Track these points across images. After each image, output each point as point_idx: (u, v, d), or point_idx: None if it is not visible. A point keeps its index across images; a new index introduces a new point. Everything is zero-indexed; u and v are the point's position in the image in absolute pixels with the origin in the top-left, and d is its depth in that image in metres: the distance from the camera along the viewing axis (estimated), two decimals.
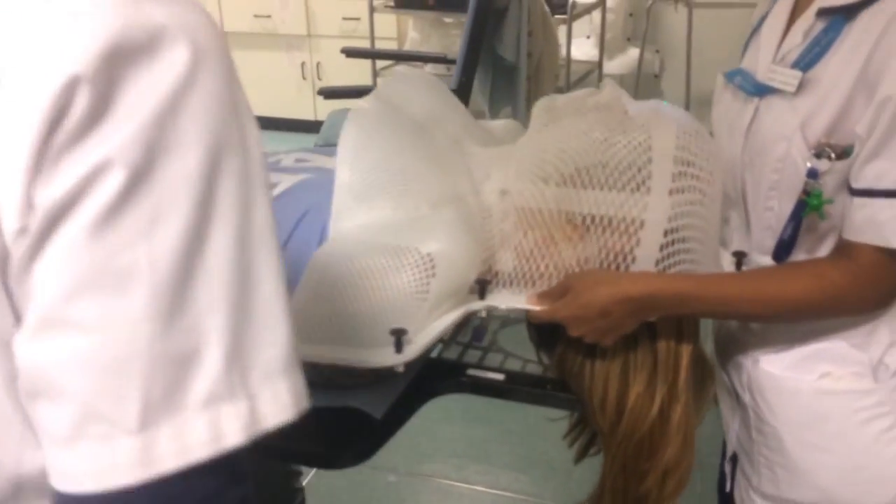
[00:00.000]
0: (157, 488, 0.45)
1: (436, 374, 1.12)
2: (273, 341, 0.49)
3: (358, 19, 4.34)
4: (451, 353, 1.18)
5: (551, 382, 1.11)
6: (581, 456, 1.18)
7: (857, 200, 0.88)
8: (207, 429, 0.46)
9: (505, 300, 1.01)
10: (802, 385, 1.00)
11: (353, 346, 0.96)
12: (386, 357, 0.94)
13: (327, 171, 1.11)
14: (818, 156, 0.88)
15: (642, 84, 4.35)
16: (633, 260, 0.96)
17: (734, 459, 1.15)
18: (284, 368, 0.49)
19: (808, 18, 0.92)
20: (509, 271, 1.02)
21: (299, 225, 1.04)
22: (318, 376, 1.01)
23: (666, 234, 0.95)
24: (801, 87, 0.90)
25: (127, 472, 0.44)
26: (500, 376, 1.12)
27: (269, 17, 4.54)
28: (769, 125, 0.94)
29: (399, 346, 0.94)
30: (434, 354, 1.16)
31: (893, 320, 0.96)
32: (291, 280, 1.00)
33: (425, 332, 0.97)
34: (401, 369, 0.94)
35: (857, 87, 0.86)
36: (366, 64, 3.82)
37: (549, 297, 0.98)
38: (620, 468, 1.06)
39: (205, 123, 0.45)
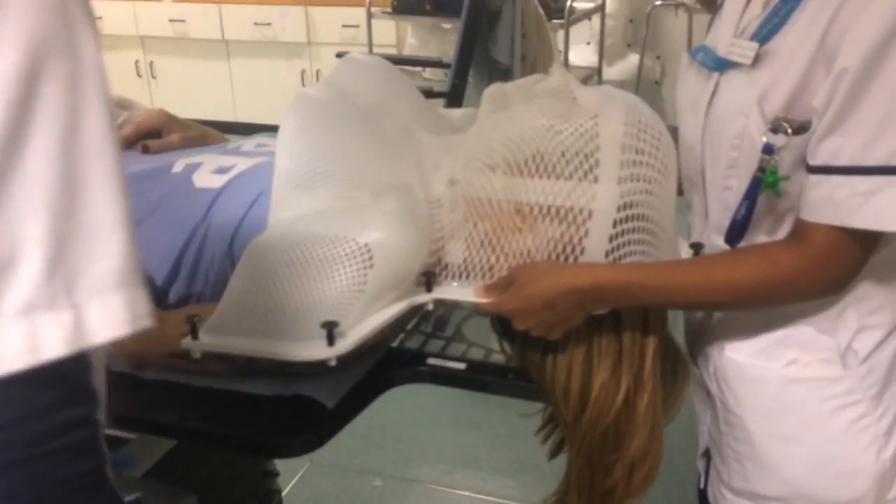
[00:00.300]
0: None
1: (394, 364, 1.09)
2: (106, 253, 0.47)
3: (357, 27, 4.35)
4: (413, 343, 1.15)
5: (514, 372, 1.08)
6: (554, 453, 1.14)
7: (813, 178, 0.84)
8: (24, 338, 0.44)
9: (452, 293, 0.99)
10: (768, 373, 0.96)
11: (285, 340, 0.94)
12: (317, 350, 0.92)
13: None
14: (774, 131, 0.85)
15: (643, 90, 4.32)
16: (582, 251, 0.93)
17: (707, 455, 1.11)
18: (119, 282, 0.47)
19: None
20: (459, 263, 0.99)
21: (252, 208, 1.03)
22: (271, 364, 0.98)
23: (615, 224, 0.92)
24: (759, 59, 0.87)
25: None
26: (460, 365, 1.09)
27: (269, 24, 4.55)
28: (727, 100, 0.91)
29: (331, 339, 0.91)
30: (395, 344, 1.14)
31: (861, 304, 0.92)
32: None
33: (363, 325, 0.95)
34: (333, 363, 0.92)
35: (816, 59, 0.83)
36: None
37: (495, 290, 0.96)
38: (586, 461, 1.02)
39: (23, 25, 0.44)
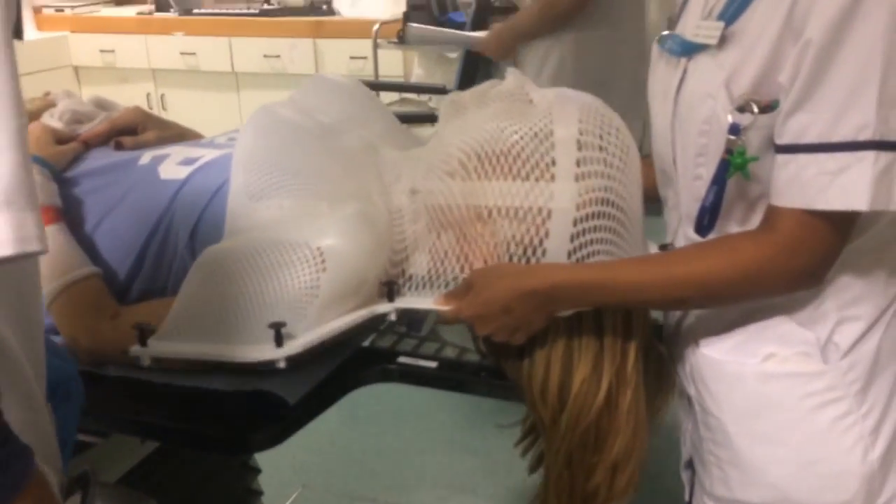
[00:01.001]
0: None
1: (363, 362, 1.06)
2: None
3: (365, 58, 4.38)
4: (386, 342, 1.13)
5: (488, 370, 1.05)
6: (534, 468, 1.10)
7: (781, 158, 0.80)
8: None
9: (413, 302, 0.98)
10: (745, 369, 0.92)
11: (235, 343, 0.93)
12: (266, 352, 0.91)
13: None
14: (741, 110, 0.81)
15: None
16: (544, 253, 0.91)
17: (691, 465, 1.07)
18: (4, 202, 0.46)
19: None
20: (423, 274, 0.98)
21: (214, 197, 1.02)
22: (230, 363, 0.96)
23: (576, 222, 0.90)
24: (725, 40, 0.84)
25: None
26: (431, 364, 1.06)
27: (278, 57, 4.60)
28: (694, 85, 0.88)
29: (279, 340, 0.91)
30: (366, 343, 1.11)
31: (839, 294, 0.88)
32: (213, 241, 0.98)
33: (316, 330, 0.94)
34: (282, 365, 0.92)
35: (784, 36, 0.80)
36: None
37: (453, 297, 0.94)
38: (565, 463, 0.98)
39: None
